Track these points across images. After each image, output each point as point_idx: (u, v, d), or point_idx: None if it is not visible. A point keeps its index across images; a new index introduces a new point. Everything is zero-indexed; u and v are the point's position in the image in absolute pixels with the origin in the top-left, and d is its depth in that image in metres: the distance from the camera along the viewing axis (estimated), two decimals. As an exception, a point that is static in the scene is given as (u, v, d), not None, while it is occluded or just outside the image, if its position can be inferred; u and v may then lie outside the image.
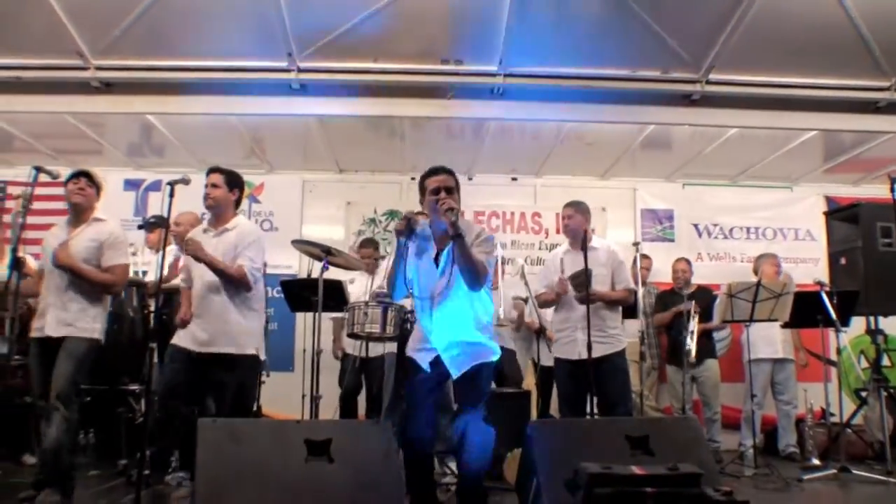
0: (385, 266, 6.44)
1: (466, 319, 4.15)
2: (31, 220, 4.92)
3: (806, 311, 6.39)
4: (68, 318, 4.70)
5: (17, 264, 4.49)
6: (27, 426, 4.72)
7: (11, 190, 8.67)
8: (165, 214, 4.50)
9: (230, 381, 4.77)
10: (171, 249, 6.46)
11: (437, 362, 4.11)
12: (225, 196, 5.02)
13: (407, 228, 4.02)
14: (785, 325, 6.85)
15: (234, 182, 5.10)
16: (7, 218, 7.41)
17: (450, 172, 4.25)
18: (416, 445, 4.15)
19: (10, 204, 8.54)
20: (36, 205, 5.84)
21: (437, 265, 4.17)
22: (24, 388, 5.42)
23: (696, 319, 6.86)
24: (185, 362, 4.79)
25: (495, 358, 4.23)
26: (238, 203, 5.18)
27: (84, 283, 4.73)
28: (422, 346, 4.20)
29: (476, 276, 4.02)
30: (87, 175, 4.91)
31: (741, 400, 7.33)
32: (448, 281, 4.11)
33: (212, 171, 5.05)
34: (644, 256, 7.28)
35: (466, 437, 4.04)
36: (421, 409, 4.16)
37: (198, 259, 4.75)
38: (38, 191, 5.01)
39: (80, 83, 6.59)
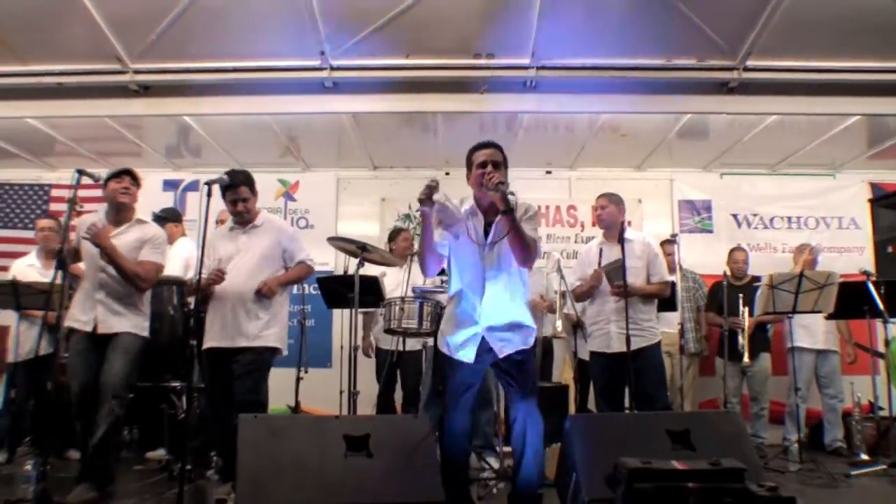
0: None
1: (517, 299, 4.05)
2: (75, 222, 4.98)
3: (852, 301, 6.24)
4: (121, 316, 4.77)
5: (62, 264, 4.51)
6: (71, 422, 4.79)
7: (56, 192, 8.87)
8: (203, 213, 4.49)
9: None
10: (184, 242, 6.64)
11: (481, 350, 3.97)
12: (252, 202, 5.06)
13: (428, 193, 3.87)
14: (829, 317, 6.69)
15: (253, 184, 5.09)
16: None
17: (498, 147, 4.15)
18: (453, 440, 4.05)
19: (55, 206, 8.73)
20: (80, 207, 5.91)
21: (486, 240, 4.04)
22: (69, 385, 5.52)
23: (747, 313, 6.75)
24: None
25: (534, 343, 4.10)
26: (256, 199, 5.19)
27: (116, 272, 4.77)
28: (462, 331, 4.03)
29: (528, 251, 3.92)
30: (129, 174, 4.96)
31: (785, 394, 7.17)
32: (498, 257, 4.01)
33: (234, 185, 4.93)
34: (667, 242, 7.17)
35: (527, 437, 3.92)
36: (459, 403, 4.06)
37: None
38: (81, 193, 5.05)
39: (118, 87, 6.67)
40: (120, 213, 4.95)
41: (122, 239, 4.85)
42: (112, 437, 4.68)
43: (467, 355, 4.00)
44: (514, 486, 4.07)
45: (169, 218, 6.97)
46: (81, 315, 4.80)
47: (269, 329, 4.89)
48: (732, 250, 7.70)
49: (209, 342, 4.87)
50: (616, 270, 5.26)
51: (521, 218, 4.01)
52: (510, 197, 3.87)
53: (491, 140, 4.21)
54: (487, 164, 4.04)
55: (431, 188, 3.86)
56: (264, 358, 4.86)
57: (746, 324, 6.76)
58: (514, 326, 4.00)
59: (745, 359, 6.62)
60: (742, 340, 6.64)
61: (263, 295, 4.83)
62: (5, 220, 8.92)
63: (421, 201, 3.88)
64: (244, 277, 4.86)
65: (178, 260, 6.62)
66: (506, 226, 3.90)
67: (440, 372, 4.74)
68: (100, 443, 4.61)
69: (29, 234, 8.00)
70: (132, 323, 4.82)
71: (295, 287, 5.65)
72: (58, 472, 5.36)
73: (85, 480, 4.60)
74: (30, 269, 6.54)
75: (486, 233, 4.06)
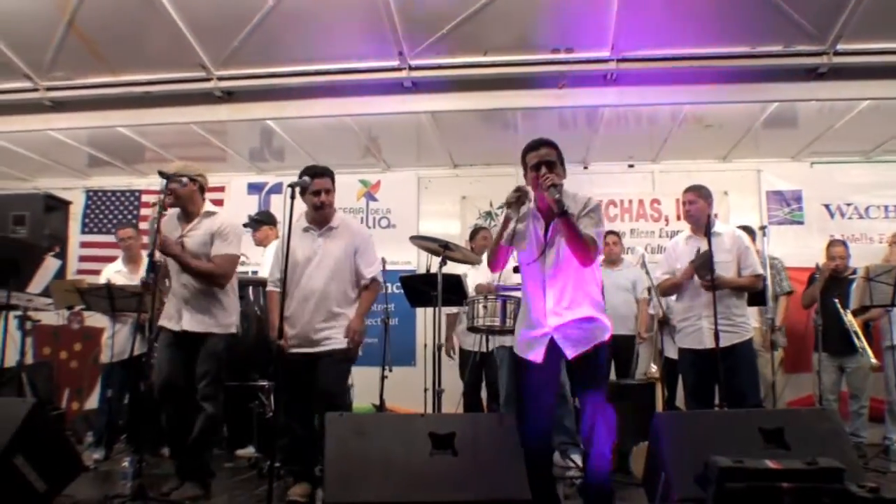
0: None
1: (584, 295, 4.00)
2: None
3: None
4: (206, 314, 4.82)
5: (153, 267, 4.59)
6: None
7: (146, 198, 9.20)
8: (287, 215, 4.42)
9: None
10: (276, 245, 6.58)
11: (551, 347, 3.96)
12: (334, 198, 4.97)
13: (517, 202, 3.85)
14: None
15: (334, 179, 4.99)
16: (144, 224, 7.78)
17: (551, 145, 4.09)
18: (533, 440, 4.00)
19: (145, 211, 9.03)
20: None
21: (546, 240, 4.03)
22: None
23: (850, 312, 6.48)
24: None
25: (608, 337, 4.04)
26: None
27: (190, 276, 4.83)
28: (532, 329, 4.04)
29: (585, 252, 3.87)
30: (167, 178, 4.78)
31: (884, 390, 6.87)
32: (557, 257, 3.98)
33: (318, 174, 4.88)
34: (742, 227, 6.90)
35: (596, 429, 3.90)
36: (536, 401, 4.04)
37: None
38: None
39: (203, 94, 6.88)
40: (186, 208, 4.97)
41: (193, 235, 4.89)
42: (208, 435, 4.76)
43: (536, 356, 4.00)
44: (585, 478, 4.07)
45: (264, 221, 7.12)
46: (170, 314, 4.89)
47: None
48: (830, 244, 7.25)
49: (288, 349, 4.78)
50: (704, 263, 5.14)
51: (581, 213, 3.98)
52: (557, 196, 3.82)
53: (543, 138, 4.15)
54: (541, 165, 3.99)
55: (522, 196, 3.86)
56: (343, 360, 4.85)
57: (848, 318, 6.47)
58: (582, 323, 3.96)
59: (872, 359, 6.26)
60: (859, 341, 6.31)
61: (356, 343, 4.80)
62: (99, 227, 9.29)
63: (508, 205, 3.88)
64: (322, 283, 4.79)
65: (273, 262, 6.64)
66: (562, 228, 3.90)
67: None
68: (195, 442, 4.71)
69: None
70: (216, 321, 4.84)
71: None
72: (153, 469, 5.57)
73: (187, 479, 4.70)
74: (118, 275, 6.73)
75: (547, 233, 4.06)
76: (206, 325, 4.82)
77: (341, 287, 4.84)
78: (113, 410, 6.62)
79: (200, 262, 4.83)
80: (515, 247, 4.06)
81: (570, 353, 3.93)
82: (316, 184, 4.81)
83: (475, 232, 7.23)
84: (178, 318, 4.83)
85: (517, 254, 4.17)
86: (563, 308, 3.96)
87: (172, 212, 4.99)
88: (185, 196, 4.93)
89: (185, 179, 4.90)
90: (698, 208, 5.46)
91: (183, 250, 4.80)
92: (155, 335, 5.07)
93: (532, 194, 4.03)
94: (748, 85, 6.50)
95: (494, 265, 4.15)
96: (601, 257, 4.23)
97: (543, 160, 4.00)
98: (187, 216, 4.98)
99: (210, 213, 5.01)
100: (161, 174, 4.71)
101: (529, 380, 4.07)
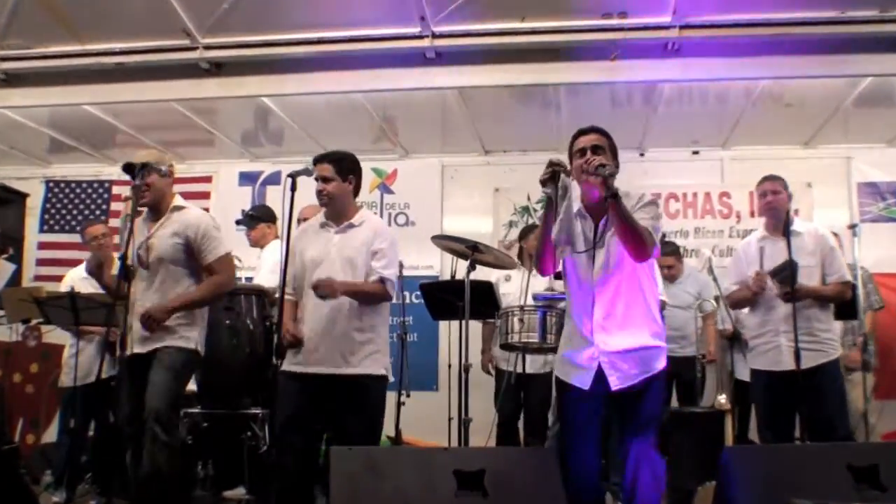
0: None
1: (638, 309, 4.02)
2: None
3: None
4: (161, 331, 4.75)
5: (127, 273, 4.63)
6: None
7: (118, 190, 9.21)
8: (287, 210, 4.42)
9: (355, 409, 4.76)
10: (278, 246, 6.43)
11: (597, 374, 3.96)
12: (340, 187, 4.92)
13: (552, 178, 3.85)
14: None
15: (347, 167, 4.98)
16: (116, 221, 7.83)
17: (601, 132, 4.13)
18: (582, 480, 4.02)
19: (116, 206, 9.07)
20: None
21: (595, 240, 4.03)
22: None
23: None
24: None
25: (664, 365, 4.05)
26: (357, 191, 5.09)
27: (176, 286, 4.87)
28: (578, 349, 4.04)
29: (640, 241, 3.86)
30: (144, 166, 4.87)
31: None
32: (608, 258, 3.99)
33: (317, 160, 4.95)
34: None
35: (640, 484, 3.91)
36: (583, 434, 4.05)
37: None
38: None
39: (187, 65, 6.90)
40: (158, 207, 5.00)
41: (161, 235, 4.90)
42: (165, 469, 4.61)
43: (582, 380, 4.01)
44: None
45: (261, 217, 7.04)
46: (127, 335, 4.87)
47: (371, 353, 4.83)
48: None
49: (289, 366, 4.79)
50: (784, 271, 5.15)
51: (634, 208, 3.98)
52: (606, 174, 3.81)
53: (593, 125, 4.19)
54: (586, 150, 4.02)
55: (556, 168, 3.87)
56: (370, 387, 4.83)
57: None
58: (633, 349, 3.97)
59: None
60: None
61: (321, 293, 4.66)
62: (62, 224, 9.36)
63: (543, 182, 3.89)
64: None
65: (270, 266, 6.57)
66: (611, 215, 3.90)
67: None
68: (147, 479, 4.60)
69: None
70: (173, 334, 4.80)
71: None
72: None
73: None
74: (84, 281, 6.59)
75: (596, 232, 4.07)
76: (158, 340, 4.77)
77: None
78: (75, 444, 6.56)
79: (200, 290, 4.92)
80: (559, 246, 4.04)
81: (615, 384, 3.93)
82: (315, 170, 4.85)
83: (528, 230, 7.18)
84: (131, 340, 4.82)
85: (562, 258, 4.17)
86: (614, 324, 3.98)
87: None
88: (163, 190, 5.01)
89: (164, 168, 4.99)
90: (782, 201, 5.49)
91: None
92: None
93: (569, 167, 4.01)
94: (836, 56, 6.48)
95: (544, 266, 4.14)
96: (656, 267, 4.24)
97: (589, 145, 4.04)
98: (154, 214, 5.02)
99: (179, 208, 5.05)
100: (129, 167, 4.82)
101: (575, 408, 4.09)
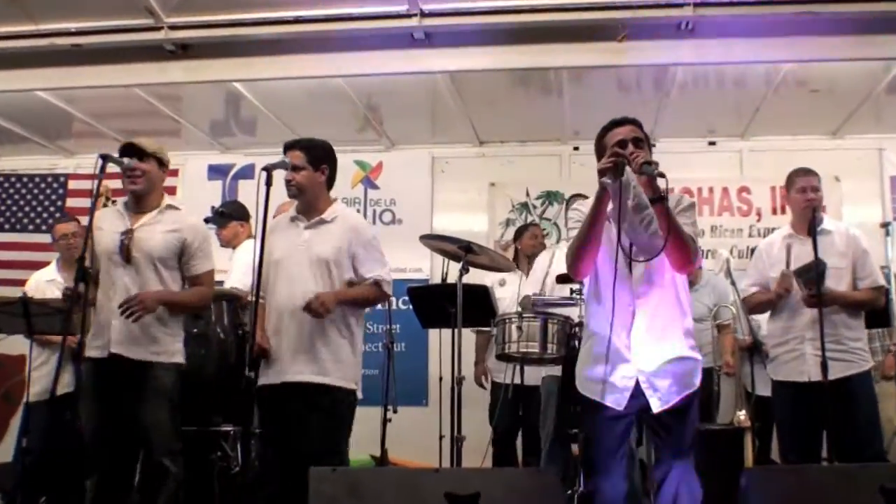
0: (542, 264, 6.44)
1: (675, 324, 4.01)
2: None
3: None
4: (144, 336, 4.73)
5: (85, 275, 4.57)
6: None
7: (75, 185, 9.19)
8: (262, 206, 4.38)
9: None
10: (251, 246, 6.35)
11: (635, 392, 3.93)
12: (310, 177, 4.89)
13: (614, 168, 3.77)
14: None
15: (320, 155, 4.96)
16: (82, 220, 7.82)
17: (637, 123, 4.10)
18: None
19: (73, 202, 9.04)
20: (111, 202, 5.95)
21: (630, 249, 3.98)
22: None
23: None
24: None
25: (700, 379, 4.03)
26: (331, 183, 5.06)
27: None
28: (611, 365, 3.97)
29: (686, 250, 3.86)
30: (136, 151, 4.88)
31: None
32: (648, 270, 3.96)
33: (288, 146, 4.94)
34: None
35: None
36: (615, 456, 4.03)
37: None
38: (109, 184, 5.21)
39: (150, 47, 6.88)
40: (146, 199, 4.97)
41: (151, 231, 4.86)
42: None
43: (618, 400, 3.97)
44: None
45: (233, 215, 6.94)
46: (96, 339, 4.83)
47: (337, 363, 4.79)
48: None
49: (261, 378, 4.74)
50: (810, 272, 5.15)
51: (674, 211, 3.93)
52: (660, 181, 3.78)
53: (626, 116, 4.14)
54: (626, 143, 3.96)
55: (620, 158, 3.80)
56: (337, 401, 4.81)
57: None
58: (674, 364, 3.95)
59: None
60: None
61: (314, 313, 4.62)
62: (13, 222, 9.30)
63: (601, 172, 3.83)
64: (289, 288, 4.79)
65: (243, 269, 6.39)
66: (659, 220, 3.85)
67: (567, 411, 4.70)
68: None
69: (45, 238, 8.25)
70: (159, 347, 4.80)
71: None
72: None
73: None
74: (49, 284, 6.59)
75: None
76: (145, 353, 4.76)
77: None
78: (30, 465, 6.58)
79: (190, 295, 4.97)
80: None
81: (657, 406, 3.91)
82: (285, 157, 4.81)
83: (523, 229, 7.22)
84: (107, 341, 4.76)
85: (597, 265, 4.10)
86: (655, 338, 3.96)
87: (109, 210, 5.06)
88: (156, 183, 5.02)
89: (165, 160, 5.04)
90: (821, 198, 5.50)
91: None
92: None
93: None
94: (867, 37, 6.49)
95: (583, 268, 4.10)
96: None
97: (629, 137, 3.99)
98: (139, 205, 4.98)
99: (174, 208, 5.06)
100: (132, 147, 4.83)
101: (610, 430, 4.04)
